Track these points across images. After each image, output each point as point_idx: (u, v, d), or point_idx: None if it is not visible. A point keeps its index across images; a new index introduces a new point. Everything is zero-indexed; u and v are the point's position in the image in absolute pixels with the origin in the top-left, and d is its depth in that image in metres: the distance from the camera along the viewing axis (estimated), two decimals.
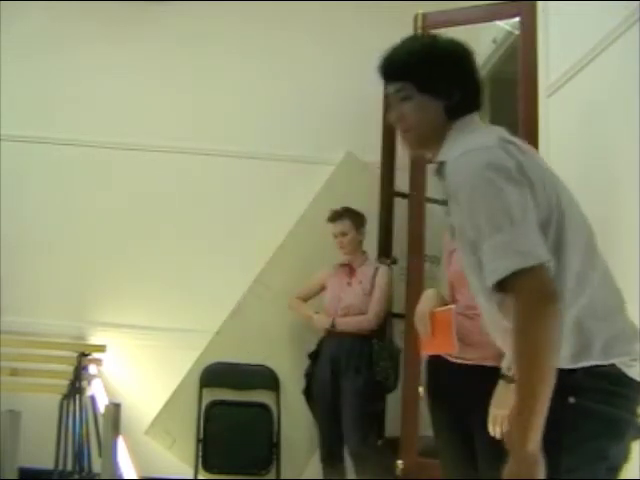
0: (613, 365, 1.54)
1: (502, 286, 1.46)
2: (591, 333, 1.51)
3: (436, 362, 2.50)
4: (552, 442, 1.45)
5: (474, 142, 1.62)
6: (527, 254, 1.44)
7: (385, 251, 4.25)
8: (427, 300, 2.48)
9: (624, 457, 1.60)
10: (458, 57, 1.75)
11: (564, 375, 1.47)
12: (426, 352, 2.58)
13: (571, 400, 1.50)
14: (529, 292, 1.43)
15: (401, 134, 1.77)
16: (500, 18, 3.87)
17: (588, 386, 1.47)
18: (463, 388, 2.34)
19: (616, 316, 1.60)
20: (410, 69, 1.71)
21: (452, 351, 2.40)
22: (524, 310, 1.43)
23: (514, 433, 1.43)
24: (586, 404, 1.49)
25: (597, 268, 1.61)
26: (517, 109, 3.33)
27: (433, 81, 1.70)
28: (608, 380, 1.53)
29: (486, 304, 1.65)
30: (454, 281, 2.49)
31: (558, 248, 1.54)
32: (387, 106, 1.79)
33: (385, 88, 1.79)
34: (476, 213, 1.52)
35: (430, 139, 1.72)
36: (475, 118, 1.74)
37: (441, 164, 1.69)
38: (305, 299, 4.21)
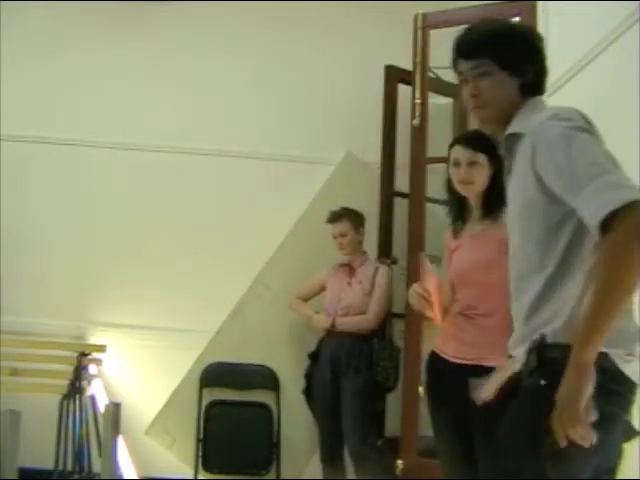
0: (610, 360, 1.55)
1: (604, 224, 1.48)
2: None
3: (436, 362, 2.50)
4: (545, 431, 1.48)
5: (553, 112, 1.69)
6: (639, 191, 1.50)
7: (385, 251, 4.26)
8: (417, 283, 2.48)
9: (619, 457, 1.61)
10: (532, 38, 1.87)
11: (564, 369, 1.49)
12: (440, 322, 2.53)
13: None
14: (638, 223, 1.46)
15: (475, 110, 1.84)
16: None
17: None
18: (463, 388, 2.34)
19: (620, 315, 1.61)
20: (492, 46, 1.80)
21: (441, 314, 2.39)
22: (631, 234, 1.45)
23: (577, 339, 1.48)
24: None
25: None
26: None
27: (513, 58, 1.79)
28: (606, 377, 1.54)
29: (535, 278, 1.66)
30: (454, 280, 2.49)
31: (588, 233, 1.57)
32: (461, 83, 1.85)
33: (456, 66, 1.85)
34: (574, 163, 1.56)
35: (504, 115, 1.80)
36: (540, 100, 1.84)
37: (511, 137, 1.76)
38: (305, 299, 4.21)
